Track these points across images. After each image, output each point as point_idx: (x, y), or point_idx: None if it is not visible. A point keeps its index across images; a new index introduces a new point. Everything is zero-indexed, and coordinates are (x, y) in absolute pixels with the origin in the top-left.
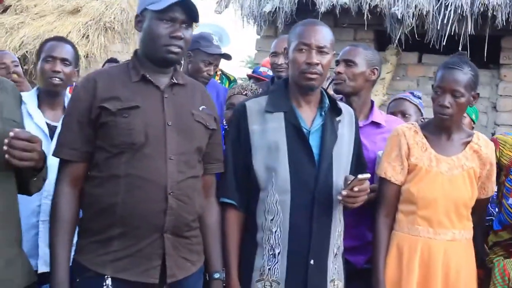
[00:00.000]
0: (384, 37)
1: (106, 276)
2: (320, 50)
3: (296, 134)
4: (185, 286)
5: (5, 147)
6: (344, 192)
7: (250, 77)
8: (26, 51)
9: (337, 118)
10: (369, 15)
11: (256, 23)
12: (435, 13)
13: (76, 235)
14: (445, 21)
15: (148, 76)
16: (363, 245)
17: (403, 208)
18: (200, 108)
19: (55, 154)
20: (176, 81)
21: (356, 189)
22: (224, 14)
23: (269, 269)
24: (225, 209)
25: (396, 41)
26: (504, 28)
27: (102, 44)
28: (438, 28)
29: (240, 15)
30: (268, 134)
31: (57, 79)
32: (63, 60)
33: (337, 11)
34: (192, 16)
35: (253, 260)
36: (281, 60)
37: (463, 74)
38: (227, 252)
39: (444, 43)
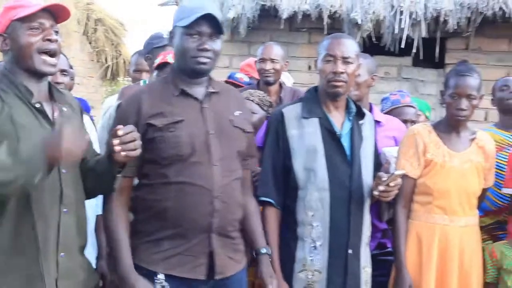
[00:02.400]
0: None
1: (158, 273)
2: (345, 61)
3: (330, 137)
4: (231, 283)
5: (117, 147)
6: (381, 188)
7: (226, 82)
8: None
9: (360, 122)
10: (328, 20)
11: None
12: (391, 18)
13: None
14: (400, 26)
15: (187, 90)
16: (372, 233)
17: (419, 199)
18: (237, 114)
19: None
20: (212, 90)
21: (392, 184)
22: None
23: (311, 260)
24: (264, 207)
25: None
26: (448, 31)
27: None
28: (395, 32)
29: None
30: (305, 138)
31: None
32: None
33: (298, 17)
34: (217, 28)
35: (294, 252)
36: (268, 66)
37: (474, 80)
38: (269, 246)
39: (398, 46)
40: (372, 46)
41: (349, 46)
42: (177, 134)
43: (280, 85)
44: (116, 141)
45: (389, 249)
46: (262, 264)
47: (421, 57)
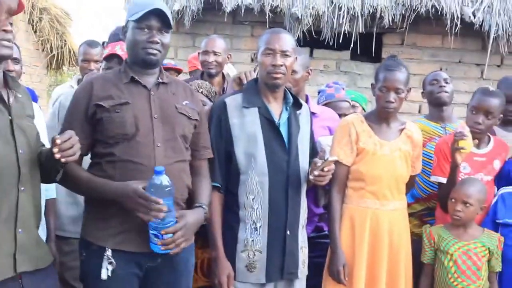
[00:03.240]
0: None
1: (106, 248)
2: (284, 54)
3: (269, 125)
4: (179, 258)
5: (57, 155)
6: (316, 172)
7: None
8: None
9: (298, 112)
10: (270, 14)
11: None
12: (330, 14)
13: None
14: (339, 21)
15: (136, 77)
16: (309, 217)
17: (352, 185)
18: (184, 103)
19: None
20: (161, 80)
21: (326, 169)
22: None
23: (252, 240)
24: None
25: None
26: (384, 27)
27: None
28: (334, 27)
29: None
30: (246, 126)
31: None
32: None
33: (242, 11)
34: (166, 23)
35: (236, 233)
36: (211, 58)
37: (402, 74)
38: (213, 228)
39: (336, 41)
40: (312, 40)
41: (287, 40)
42: (122, 115)
43: (223, 77)
44: (55, 149)
45: (325, 232)
46: (190, 211)
47: (358, 51)
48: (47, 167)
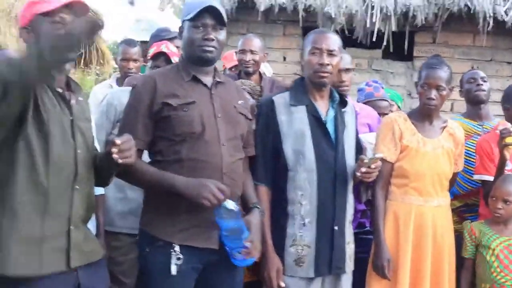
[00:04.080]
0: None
1: (174, 244)
2: (330, 53)
3: (316, 123)
4: None
5: (115, 155)
6: (363, 169)
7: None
8: None
9: (343, 109)
10: (303, 14)
11: None
12: (363, 13)
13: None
14: (372, 20)
15: (197, 76)
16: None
17: (396, 182)
18: (239, 102)
19: None
20: (218, 80)
21: (373, 166)
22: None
23: (300, 235)
24: (257, 187)
25: None
26: (416, 25)
27: (14, 35)
28: (367, 25)
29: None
30: (294, 123)
31: None
32: None
33: (275, 10)
34: (220, 20)
35: (285, 228)
36: (248, 57)
37: (444, 72)
38: (262, 224)
39: (369, 39)
40: (345, 39)
41: (333, 40)
42: (190, 113)
43: (260, 75)
44: (114, 150)
45: (368, 228)
46: (252, 215)
47: (391, 50)
48: (101, 169)
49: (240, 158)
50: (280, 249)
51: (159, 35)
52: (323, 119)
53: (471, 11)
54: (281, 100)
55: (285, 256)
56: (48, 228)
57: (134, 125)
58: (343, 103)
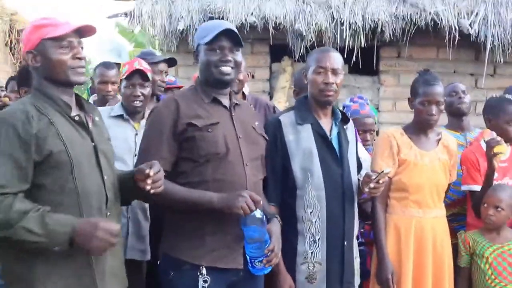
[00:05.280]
0: (276, 50)
1: (201, 266)
2: (335, 72)
3: (322, 141)
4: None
5: (148, 187)
6: (372, 185)
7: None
8: None
9: (345, 126)
10: (273, 31)
11: (167, 40)
12: (332, 29)
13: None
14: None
15: (217, 97)
16: None
17: (395, 195)
18: (256, 123)
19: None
20: (236, 102)
21: (381, 181)
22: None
23: (311, 253)
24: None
25: (297, 54)
26: (382, 40)
27: None
28: (338, 42)
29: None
30: (301, 142)
31: None
32: None
33: (246, 28)
34: (237, 42)
35: (295, 246)
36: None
37: (440, 88)
38: None
39: None
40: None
41: (337, 58)
42: (214, 134)
43: (244, 94)
44: (149, 181)
45: (360, 240)
46: (273, 225)
47: (359, 65)
48: (125, 191)
49: (261, 178)
50: (291, 267)
51: (144, 58)
52: (329, 137)
53: (438, 26)
54: (287, 119)
55: (296, 274)
56: (94, 259)
57: (158, 146)
58: (344, 120)
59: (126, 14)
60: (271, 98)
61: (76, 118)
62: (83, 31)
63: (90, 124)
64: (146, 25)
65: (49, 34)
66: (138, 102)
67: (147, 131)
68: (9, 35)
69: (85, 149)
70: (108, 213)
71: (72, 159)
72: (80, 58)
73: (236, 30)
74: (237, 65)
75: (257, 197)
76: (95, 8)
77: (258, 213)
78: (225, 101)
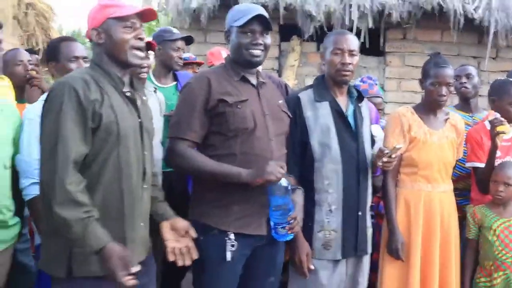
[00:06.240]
0: (286, 29)
1: (229, 232)
2: (351, 53)
3: (339, 117)
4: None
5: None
6: (385, 159)
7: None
8: None
9: (360, 104)
10: (283, 12)
11: (181, 18)
12: (341, 11)
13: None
14: (350, 18)
15: (246, 76)
16: None
17: (405, 171)
18: (280, 101)
19: (179, 135)
20: (262, 80)
21: (393, 156)
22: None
23: (327, 221)
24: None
25: (306, 34)
26: (388, 22)
27: None
28: (347, 23)
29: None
30: (319, 118)
31: None
32: None
33: None
34: (267, 26)
35: (313, 215)
36: None
37: (450, 70)
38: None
39: None
40: (323, 36)
41: (353, 40)
42: (244, 110)
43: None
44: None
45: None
46: (296, 195)
47: (367, 46)
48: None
49: (285, 153)
50: (308, 235)
51: (162, 35)
52: (345, 114)
53: (443, 10)
54: (306, 96)
55: (313, 241)
56: (128, 229)
57: (190, 119)
58: (359, 98)
59: None
60: (279, 75)
61: (128, 94)
62: (145, 15)
63: (139, 102)
64: (160, 3)
65: (115, 14)
66: (143, 74)
67: (179, 106)
68: (17, 8)
69: (132, 124)
70: (145, 186)
71: (120, 130)
72: (141, 39)
73: (267, 15)
74: (266, 48)
75: (283, 164)
76: None
77: (284, 182)
78: (253, 79)
